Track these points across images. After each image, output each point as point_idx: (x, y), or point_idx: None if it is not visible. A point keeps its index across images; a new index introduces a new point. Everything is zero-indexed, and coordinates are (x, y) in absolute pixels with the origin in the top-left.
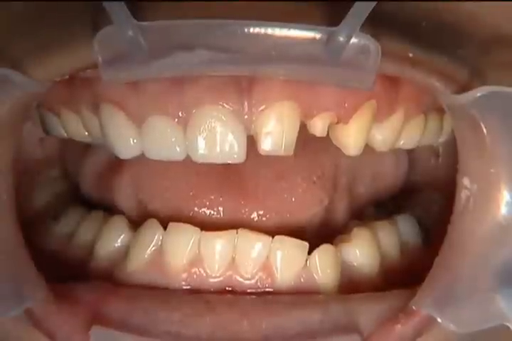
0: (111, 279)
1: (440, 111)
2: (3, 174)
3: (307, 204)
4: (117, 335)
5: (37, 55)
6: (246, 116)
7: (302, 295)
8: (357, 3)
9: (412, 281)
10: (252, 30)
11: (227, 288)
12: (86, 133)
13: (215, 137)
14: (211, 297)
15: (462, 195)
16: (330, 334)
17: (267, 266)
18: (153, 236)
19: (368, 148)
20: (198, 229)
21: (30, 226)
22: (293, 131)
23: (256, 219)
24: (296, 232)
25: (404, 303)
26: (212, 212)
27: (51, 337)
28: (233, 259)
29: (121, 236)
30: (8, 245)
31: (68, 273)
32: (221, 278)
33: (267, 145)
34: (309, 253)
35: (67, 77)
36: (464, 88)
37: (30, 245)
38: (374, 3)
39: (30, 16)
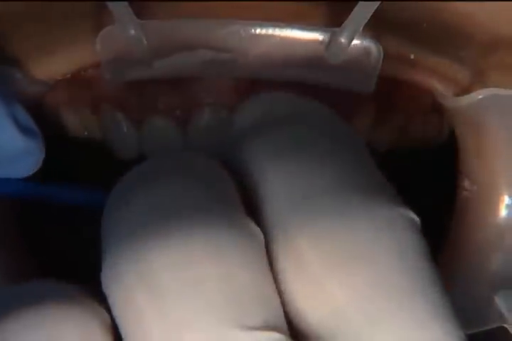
0: None
1: (439, 112)
2: None
3: None
4: None
5: (39, 54)
6: None
7: None
8: (360, 4)
9: None
10: (253, 30)
11: None
12: (86, 133)
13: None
14: None
15: (462, 196)
16: None
17: None
18: None
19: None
20: None
21: None
22: None
23: None
24: None
25: None
26: None
27: None
28: None
29: None
30: None
31: None
32: None
33: None
34: None
35: (68, 76)
36: (465, 90)
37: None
38: (377, 4)
39: (32, 15)
